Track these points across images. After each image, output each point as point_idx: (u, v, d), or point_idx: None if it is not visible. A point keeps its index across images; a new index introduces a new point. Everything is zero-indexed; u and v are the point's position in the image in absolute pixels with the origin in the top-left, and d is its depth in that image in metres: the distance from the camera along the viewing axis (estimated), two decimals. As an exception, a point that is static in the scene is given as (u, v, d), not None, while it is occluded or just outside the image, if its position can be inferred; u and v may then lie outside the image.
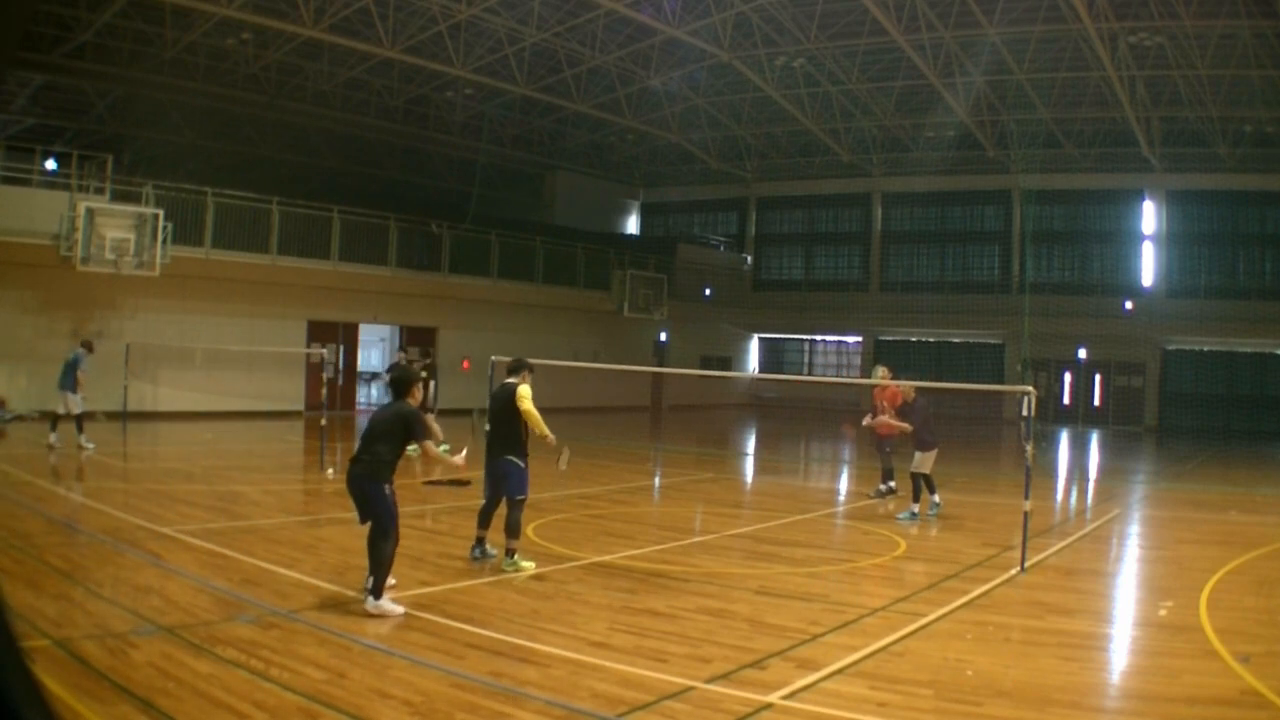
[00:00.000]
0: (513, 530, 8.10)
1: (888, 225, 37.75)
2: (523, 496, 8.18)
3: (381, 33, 24.77)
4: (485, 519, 8.48)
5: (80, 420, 15.35)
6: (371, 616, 6.52)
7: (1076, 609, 7.72)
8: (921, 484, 11.57)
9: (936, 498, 11.74)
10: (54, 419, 15.43)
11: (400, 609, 6.64)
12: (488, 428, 8.58)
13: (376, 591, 6.64)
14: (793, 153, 37.09)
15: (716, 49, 27.67)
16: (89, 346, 16.01)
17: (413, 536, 8.97)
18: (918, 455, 11.65)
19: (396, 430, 6.95)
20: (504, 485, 8.21)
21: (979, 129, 31.62)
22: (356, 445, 7.17)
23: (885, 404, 12.62)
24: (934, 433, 11.69)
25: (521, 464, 8.19)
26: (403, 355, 20.06)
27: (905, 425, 11.92)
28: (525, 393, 8.24)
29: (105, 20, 24.04)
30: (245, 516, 10.44)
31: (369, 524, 6.91)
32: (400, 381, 7.25)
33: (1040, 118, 30.01)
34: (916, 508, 11.52)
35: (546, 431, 8.21)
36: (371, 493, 6.87)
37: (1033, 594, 8.06)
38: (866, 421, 13.07)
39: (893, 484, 13.30)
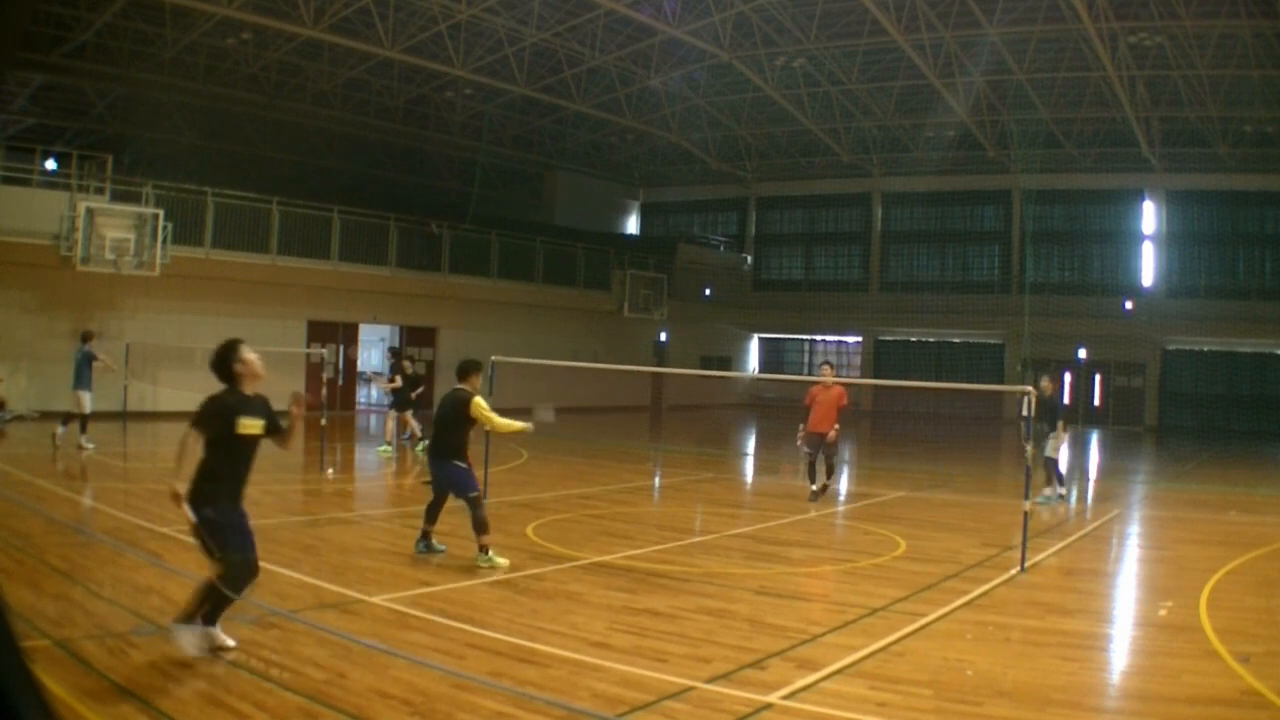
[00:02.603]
0: (480, 527, 8.17)
1: (888, 225, 37.76)
2: (476, 492, 8.28)
3: (381, 33, 24.78)
4: (433, 515, 8.57)
5: (85, 420, 15.34)
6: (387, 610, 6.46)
7: (1076, 609, 7.72)
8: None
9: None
10: (65, 417, 15.42)
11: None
12: (432, 432, 8.73)
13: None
14: (793, 153, 37.09)
15: (716, 49, 27.68)
16: (89, 337, 15.98)
17: (411, 536, 8.97)
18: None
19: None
20: (452, 488, 8.32)
21: (979, 129, 31.62)
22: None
23: (830, 403, 13.15)
24: None
25: (464, 465, 8.31)
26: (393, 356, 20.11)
27: (836, 427, 13.09)
28: (483, 403, 8.27)
29: (105, 20, 24.05)
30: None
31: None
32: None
33: (1040, 118, 30.02)
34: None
35: (520, 426, 8.38)
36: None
37: (1033, 594, 8.06)
38: (800, 438, 13.30)
39: (828, 483, 13.42)
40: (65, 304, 20.53)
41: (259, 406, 5.70)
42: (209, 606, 5.47)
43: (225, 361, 5.66)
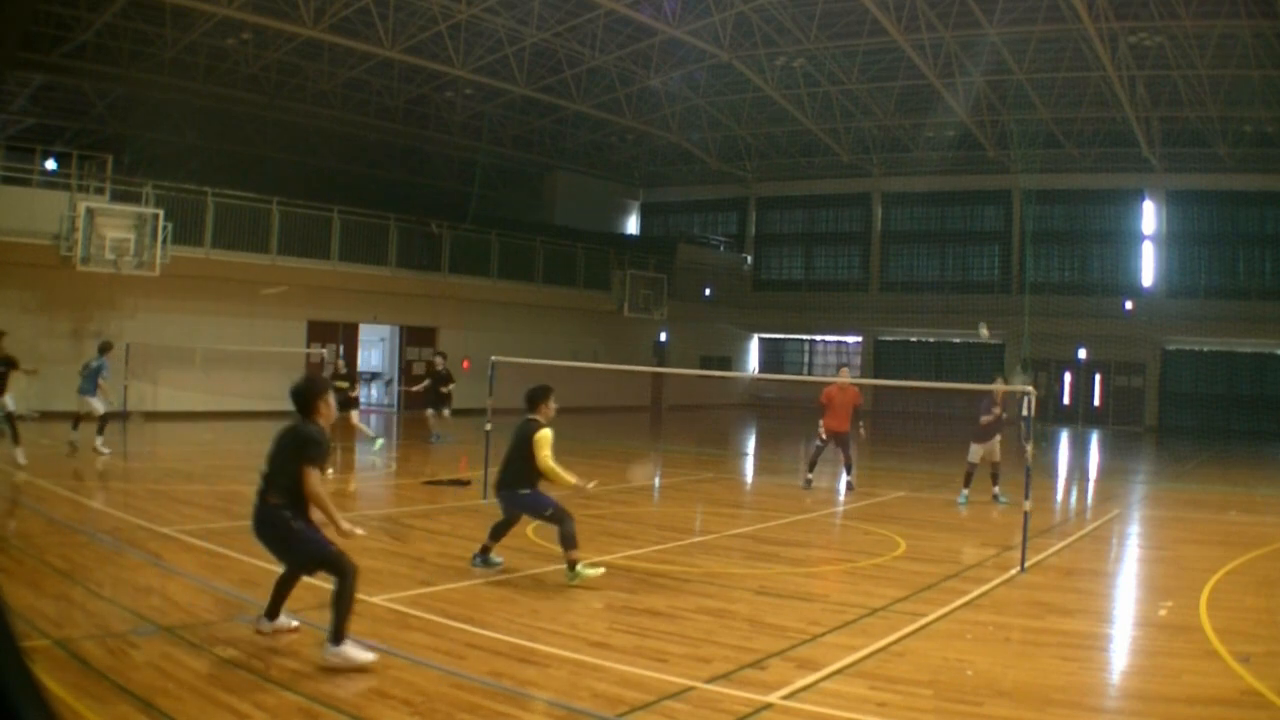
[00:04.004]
0: (567, 542, 7.65)
1: (888, 225, 37.76)
2: (551, 509, 7.75)
3: (381, 33, 24.78)
4: (497, 533, 8.13)
5: (103, 423, 15.27)
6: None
7: (1076, 609, 7.72)
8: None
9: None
10: (76, 418, 15.37)
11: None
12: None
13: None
14: (793, 153, 37.10)
15: (716, 49, 27.68)
16: (106, 349, 15.90)
17: (411, 536, 8.98)
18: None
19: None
20: (529, 512, 7.93)
21: (979, 129, 31.62)
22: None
23: (847, 403, 14.00)
24: None
25: (530, 490, 7.82)
26: (440, 359, 19.39)
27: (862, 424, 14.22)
28: (545, 440, 7.72)
29: (105, 20, 24.05)
30: (245, 516, 10.26)
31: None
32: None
33: (1040, 118, 30.02)
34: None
35: (570, 480, 7.75)
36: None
37: (1033, 594, 8.06)
38: (824, 433, 14.21)
39: (851, 479, 14.41)
40: (65, 304, 20.53)
41: None
42: (348, 615, 5.53)
43: (312, 398, 5.88)
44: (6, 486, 11.75)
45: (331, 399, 5.98)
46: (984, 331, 15.68)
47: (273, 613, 5.98)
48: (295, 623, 6.07)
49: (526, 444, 7.76)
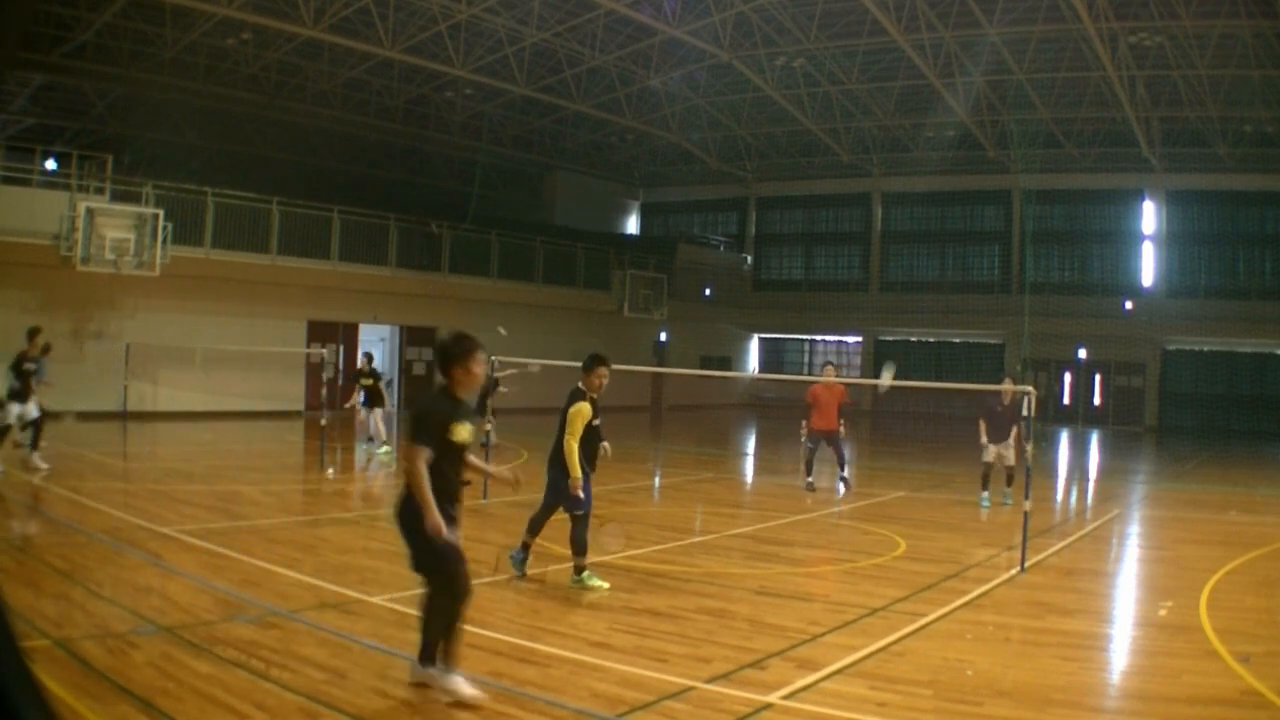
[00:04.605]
0: (578, 547, 7.53)
1: (888, 225, 37.76)
2: (582, 510, 7.48)
3: (381, 33, 24.78)
4: (534, 527, 7.85)
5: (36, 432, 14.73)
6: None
7: (1076, 609, 7.72)
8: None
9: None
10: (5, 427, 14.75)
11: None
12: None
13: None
14: (793, 153, 37.09)
15: (716, 49, 27.68)
16: (46, 350, 15.51)
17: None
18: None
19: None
20: (563, 497, 7.64)
21: (979, 129, 31.61)
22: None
23: (833, 401, 13.98)
24: None
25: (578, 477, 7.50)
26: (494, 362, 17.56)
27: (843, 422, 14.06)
28: (575, 415, 7.45)
29: (105, 20, 24.05)
30: (245, 516, 10.44)
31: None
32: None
33: (1040, 118, 30.02)
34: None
35: (576, 475, 7.37)
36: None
37: (1033, 594, 8.06)
38: (805, 434, 14.33)
39: (846, 476, 14.20)
40: (65, 304, 20.52)
41: (469, 412, 5.27)
42: (447, 637, 5.10)
43: (451, 359, 5.16)
44: (9, 487, 11.75)
45: (476, 365, 5.17)
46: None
47: (431, 655, 5.14)
48: (460, 684, 5.07)
49: (563, 415, 7.52)
